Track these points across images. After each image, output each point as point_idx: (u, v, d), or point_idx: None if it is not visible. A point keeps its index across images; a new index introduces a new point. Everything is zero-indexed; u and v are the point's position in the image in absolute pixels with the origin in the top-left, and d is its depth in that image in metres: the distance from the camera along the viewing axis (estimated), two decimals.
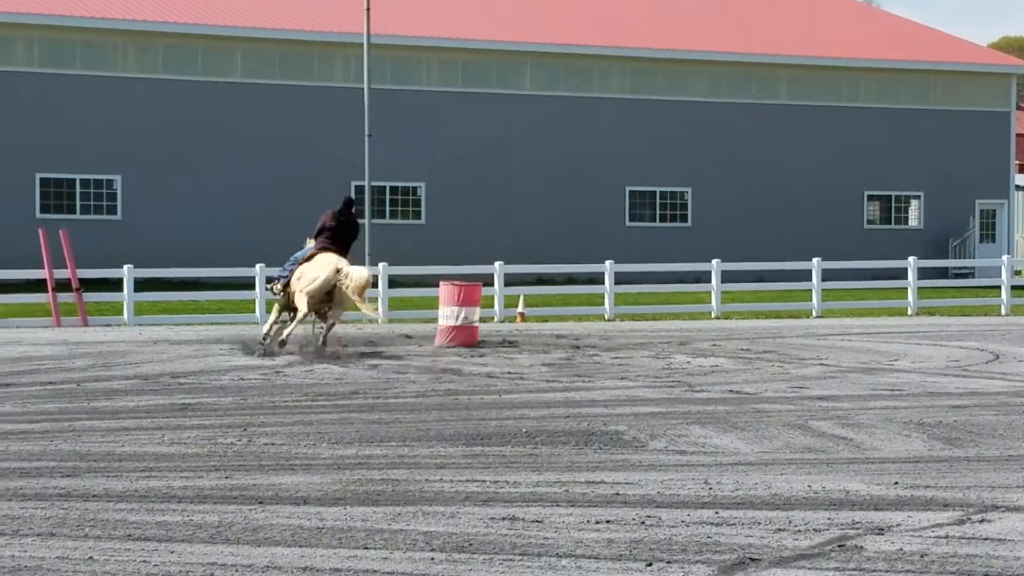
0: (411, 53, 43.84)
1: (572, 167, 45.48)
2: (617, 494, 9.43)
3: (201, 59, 41.69)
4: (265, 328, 21.33)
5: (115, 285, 30.24)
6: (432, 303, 24.87)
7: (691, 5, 52.04)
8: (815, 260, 32.79)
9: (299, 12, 44.31)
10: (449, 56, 44.41)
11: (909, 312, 32.53)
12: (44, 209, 40.07)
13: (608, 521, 8.55)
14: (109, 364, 18.82)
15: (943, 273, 45.58)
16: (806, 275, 33.36)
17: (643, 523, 8.51)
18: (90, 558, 7.59)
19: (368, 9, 33.48)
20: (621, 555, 7.71)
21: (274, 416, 13.54)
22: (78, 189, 40.65)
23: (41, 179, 40.29)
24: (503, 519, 8.59)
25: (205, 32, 41.53)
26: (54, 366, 18.53)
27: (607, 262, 31.08)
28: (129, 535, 8.13)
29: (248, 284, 29.94)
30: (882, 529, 8.36)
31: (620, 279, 31.92)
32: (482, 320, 22.79)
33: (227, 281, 35.77)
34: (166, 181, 41.35)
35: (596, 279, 35.89)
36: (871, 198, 49.02)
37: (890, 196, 49.10)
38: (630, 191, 46.35)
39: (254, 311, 28.41)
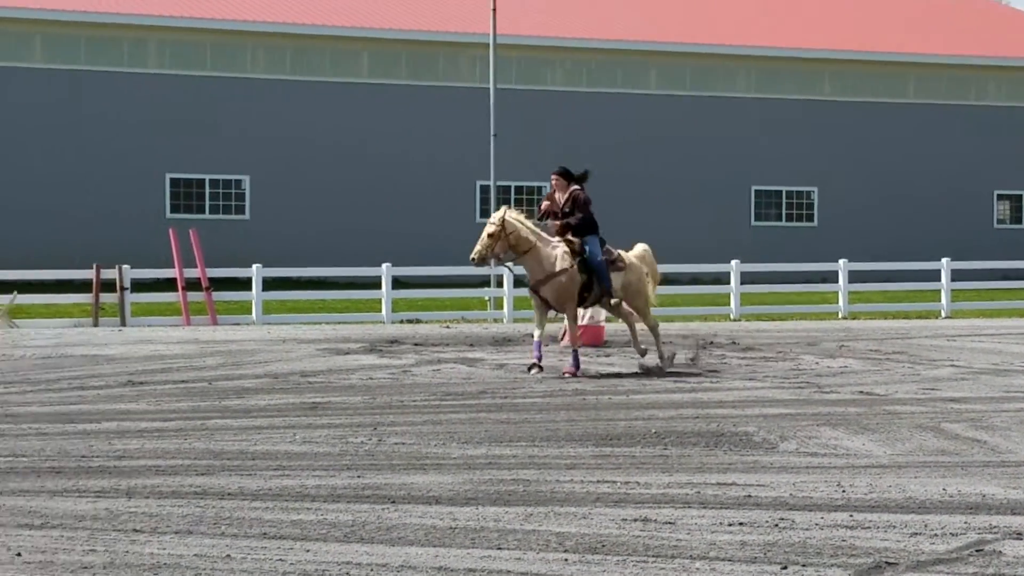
0: (537, 53, 43.89)
1: (697, 166, 45.27)
2: (749, 496, 9.35)
3: (328, 60, 42.07)
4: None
5: (243, 284, 30.69)
6: None
7: (814, 4, 51.54)
8: (944, 260, 32.33)
9: (426, 12, 44.59)
10: (575, 56, 44.39)
11: None
12: (174, 209, 40.73)
13: (741, 523, 8.48)
14: (239, 363, 19.05)
15: None
16: (935, 275, 32.91)
17: (776, 525, 8.43)
18: (227, 556, 7.68)
19: (494, 9, 33.58)
20: (755, 558, 7.65)
21: (403, 415, 13.62)
22: (207, 189, 41.25)
23: (171, 179, 40.95)
24: (635, 520, 8.56)
25: (332, 33, 41.92)
26: (186, 364, 18.80)
27: (733, 262, 30.91)
28: (264, 533, 8.21)
29: (374, 283, 30.18)
30: (1021, 534, 8.20)
31: (746, 279, 31.72)
32: (607, 320, 22.74)
33: (353, 280, 36.10)
34: (293, 181, 41.84)
35: (722, 279, 35.70)
36: (1001, 197, 48.22)
37: (1021, 195, 48.25)
38: (755, 190, 46.04)
39: (380, 310, 28.61)
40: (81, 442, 11.67)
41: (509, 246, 17.67)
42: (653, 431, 12.37)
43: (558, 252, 17.69)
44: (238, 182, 41.43)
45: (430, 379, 17.02)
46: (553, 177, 18.20)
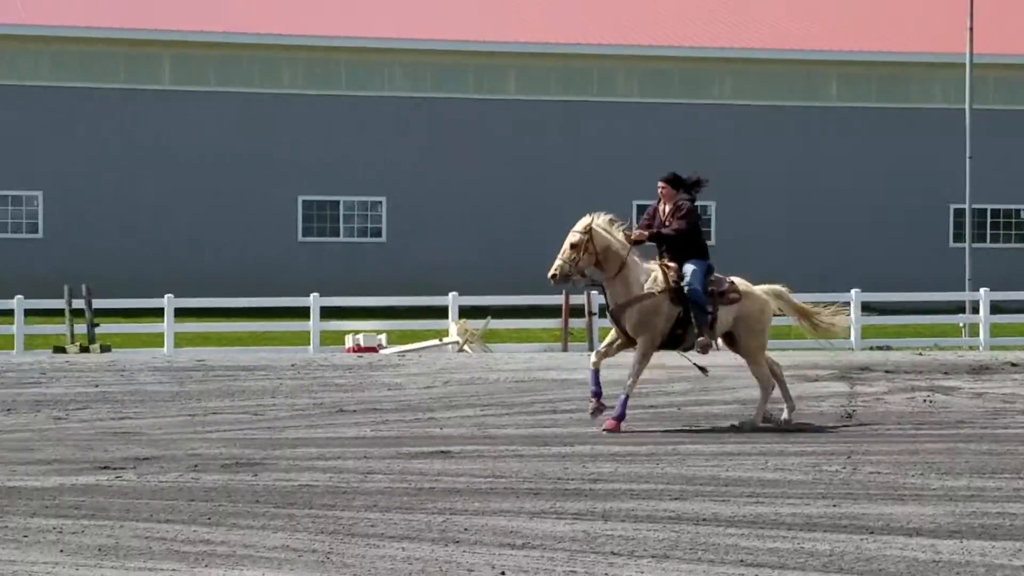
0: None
1: None
2: None
3: (472, 76, 41.09)
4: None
5: None
6: None
7: None
8: None
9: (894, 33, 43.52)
10: None
11: None
12: None
13: None
14: (708, 389, 19.03)
15: None
16: None
17: None
18: None
19: (971, 29, 32.39)
20: None
21: (877, 444, 13.26)
22: None
23: (637, 206, 41.47)
24: None
25: (478, 48, 40.78)
26: (654, 389, 18.91)
27: (982, 290, 28.99)
28: (741, 560, 8.12)
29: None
30: None
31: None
32: None
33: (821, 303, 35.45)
34: (754, 210, 41.52)
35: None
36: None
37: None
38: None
39: (848, 337, 28.08)
40: (557, 464, 11.90)
41: (596, 261, 14.62)
42: None
43: (650, 274, 14.69)
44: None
45: (903, 408, 16.54)
46: (660, 185, 14.99)
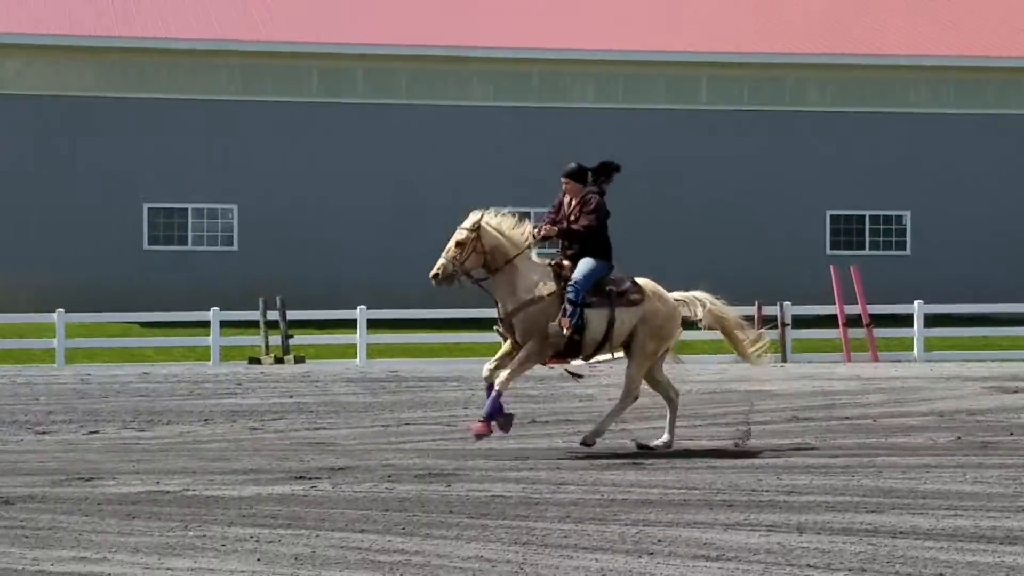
0: None
1: None
2: None
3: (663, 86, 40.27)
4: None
5: (904, 320, 30.18)
6: None
7: None
8: None
9: None
10: None
11: None
12: (834, 246, 40.68)
13: None
14: (903, 400, 18.74)
15: None
16: None
17: None
18: None
19: None
20: None
21: None
22: (867, 225, 40.93)
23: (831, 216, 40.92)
24: None
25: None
26: (849, 401, 18.67)
27: None
28: (940, 574, 7.95)
29: None
30: None
31: None
32: None
33: (1016, 317, 34.71)
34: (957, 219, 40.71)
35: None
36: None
37: None
38: None
39: None
40: (750, 476, 11.79)
41: (484, 262, 13.41)
42: None
43: (541, 274, 13.39)
44: (899, 218, 40.93)
45: None
46: (563, 180, 13.69)
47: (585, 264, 13.27)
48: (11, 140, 37.95)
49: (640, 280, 13.66)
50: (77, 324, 31.22)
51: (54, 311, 29.66)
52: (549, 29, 41.12)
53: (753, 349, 14.45)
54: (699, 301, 14.04)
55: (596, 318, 13.30)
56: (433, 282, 13.32)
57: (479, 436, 13.28)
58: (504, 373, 13.18)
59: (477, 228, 13.27)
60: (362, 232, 39.00)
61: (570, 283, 13.16)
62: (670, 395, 13.78)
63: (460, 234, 13.30)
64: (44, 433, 15.72)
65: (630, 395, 13.63)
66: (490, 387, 13.26)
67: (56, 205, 37.83)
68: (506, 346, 13.49)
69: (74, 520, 9.69)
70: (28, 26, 38.49)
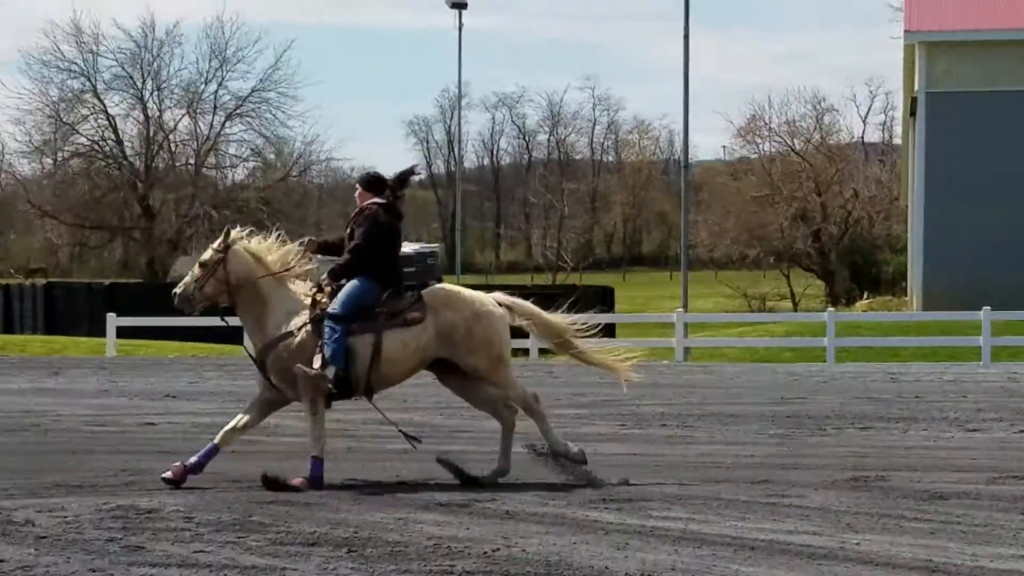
0: None
1: None
2: None
3: None
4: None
5: None
6: None
7: None
8: None
9: None
10: None
11: None
12: None
13: None
14: None
15: None
16: None
17: None
18: None
19: None
20: None
21: None
22: None
23: None
24: None
25: None
26: None
27: None
28: None
29: None
30: None
31: None
32: None
33: None
34: None
35: None
36: None
37: None
38: None
39: None
40: None
41: (227, 286, 11.21)
42: None
43: (295, 305, 11.15)
44: None
45: None
46: (357, 191, 11.50)
47: (345, 289, 11.11)
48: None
49: (432, 290, 11.34)
50: (1002, 322, 30.85)
51: (979, 309, 29.57)
52: None
53: (612, 359, 11.81)
54: (520, 310, 11.56)
55: (359, 346, 11.01)
56: (176, 306, 11.47)
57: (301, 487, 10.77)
58: (311, 440, 11.02)
59: (225, 249, 11.31)
60: None
61: (329, 313, 11.01)
62: (502, 413, 11.46)
63: (207, 254, 11.44)
64: (974, 430, 15.64)
65: (525, 401, 11.34)
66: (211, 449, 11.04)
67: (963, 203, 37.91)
68: (259, 393, 11.39)
69: (1010, 518, 9.51)
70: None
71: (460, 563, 7.83)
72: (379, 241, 11.12)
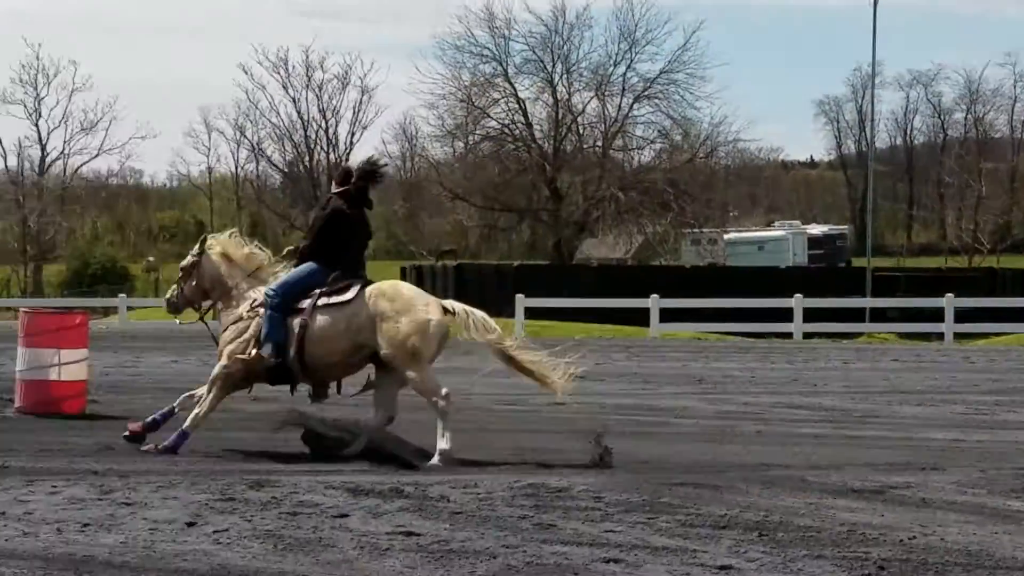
0: None
1: None
2: None
3: None
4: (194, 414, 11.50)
5: None
6: None
7: None
8: None
9: None
10: None
11: None
12: None
13: None
14: None
15: None
16: None
17: None
18: None
19: None
20: None
21: None
22: None
23: None
24: None
25: None
26: None
27: None
28: None
29: None
30: None
31: None
32: None
33: None
34: None
35: None
36: None
37: None
38: None
39: None
40: None
41: (205, 293, 12.01)
42: None
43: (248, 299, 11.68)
44: None
45: None
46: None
47: (291, 272, 11.63)
48: None
49: (378, 284, 11.46)
50: None
51: None
52: None
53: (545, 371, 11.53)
54: (477, 324, 11.34)
55: (291, 327, 11.30)
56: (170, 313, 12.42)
57: (142, 445, 11.41)
58: (195, 410, 11.46)
59: (200, 253, 12.03)
60: None
61: (264, 294, 11.49)
62: (382, 416, 11.39)
63: (186, 259, 12.21)
64: None
65: (436, 396, 11.03)
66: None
67: None
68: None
69: None
70: None
71: (875, 550, 7.57)
72: (330, 228, 11.53)
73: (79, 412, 13.93)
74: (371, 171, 11.78)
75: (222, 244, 12.05)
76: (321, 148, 78.10)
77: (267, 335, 11.27)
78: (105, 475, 9.82)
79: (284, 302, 11.32)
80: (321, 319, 11.29)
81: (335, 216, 11.56)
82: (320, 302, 11.31)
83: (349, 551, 7.51)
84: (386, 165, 12.80)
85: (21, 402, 14.19)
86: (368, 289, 11.32)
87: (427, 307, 11.25)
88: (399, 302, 11.23)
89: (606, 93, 66.98)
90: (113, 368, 16.46)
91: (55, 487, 9.23)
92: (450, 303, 11.53)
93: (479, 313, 11.45)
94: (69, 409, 13.92)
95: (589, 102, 67.70)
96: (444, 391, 11.05)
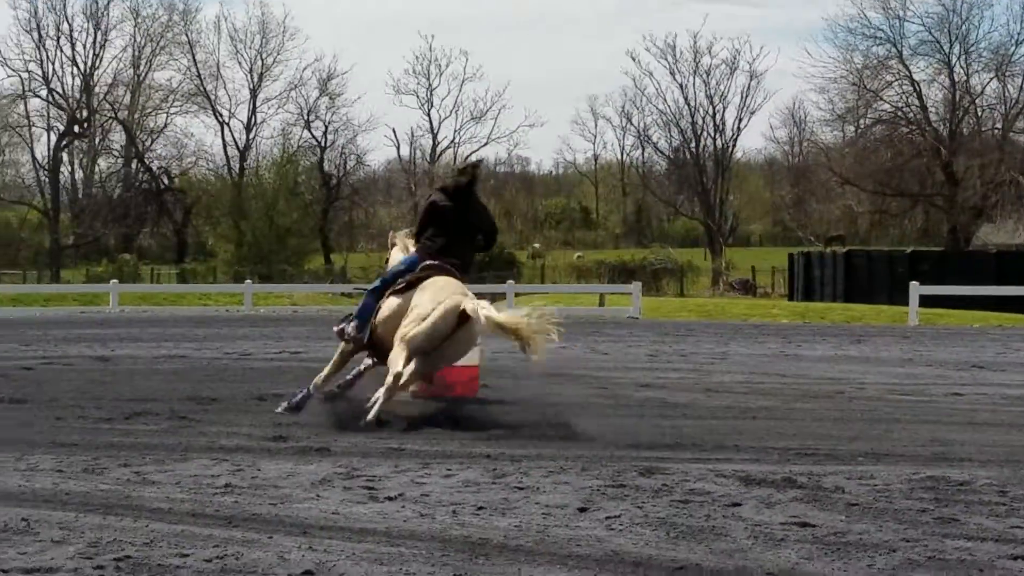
0: None
1: None
2: None
3: None
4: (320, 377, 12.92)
5: None
6: None
7: None
8: None
9: None
10: None
11: None
12: None
13: None
14: None
15: None
16: None
17: None
18: None
19: None
20: None
21: None
22: None
23: None
24: None
25: None
26: None
27: None
28: None
29: None
30: None
31: None
32: None
33: None
34: None
35: None
36: None
37: None
38: None
39: None
40: None
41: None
42: None
43: None
44: None
45: None
46: None
47: (406, 262, 12.79)
48: None
49: (439, 278, 12.20)
50: None
51: None
52: None
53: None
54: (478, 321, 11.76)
55: (373, 309, 12.62)
56: None
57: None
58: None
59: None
60: None
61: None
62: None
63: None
64: None
65: (391, 371, 11.75)
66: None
67: None
68: None
69: None
70: None
71: None
72: (425, 219, 12.66)
73: (472, 396, 14.16)
74: (464, 168, 12.94)
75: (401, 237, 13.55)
76: (708, 134, 77.93)
77: (356, 313, 12.66)
78: (497, 459, 9.94)
79: (384, 285, 12.53)
80: (385, 304, 12.36)
81: (429, 208, 12.73)
82: (397, 287, 12.36)
83: (743, 540, 7.37)
84: (479, 164, 13.93)
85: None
86: (421, 281, 12.18)
87: (436, 308, 11.79)
88: (423, 295, 12.02)
89: (1007, 73, 64.50)
90: (501, 353, 16.72)
91: (450, 470, 9.40)
92: (473, 309, 11.67)
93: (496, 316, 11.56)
94: (463, 393, 14.16)
95: (989, 83, 65.38)
96: (400, 372, 11.53)
